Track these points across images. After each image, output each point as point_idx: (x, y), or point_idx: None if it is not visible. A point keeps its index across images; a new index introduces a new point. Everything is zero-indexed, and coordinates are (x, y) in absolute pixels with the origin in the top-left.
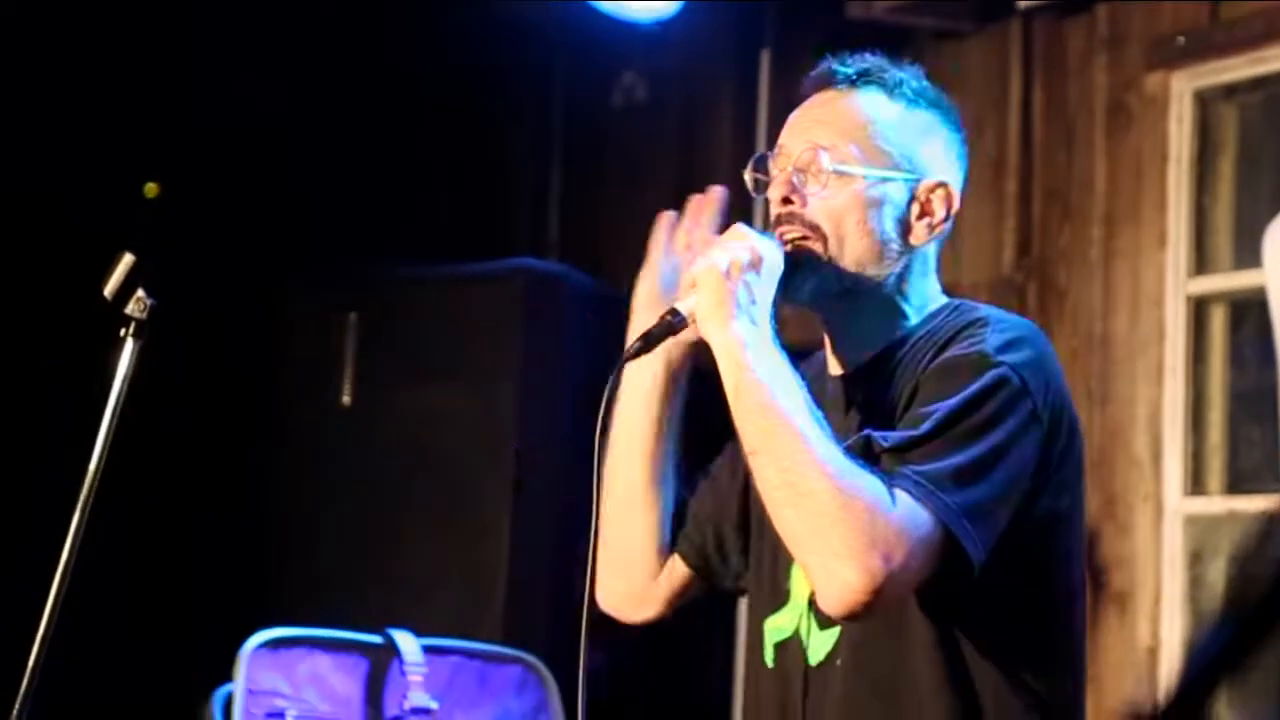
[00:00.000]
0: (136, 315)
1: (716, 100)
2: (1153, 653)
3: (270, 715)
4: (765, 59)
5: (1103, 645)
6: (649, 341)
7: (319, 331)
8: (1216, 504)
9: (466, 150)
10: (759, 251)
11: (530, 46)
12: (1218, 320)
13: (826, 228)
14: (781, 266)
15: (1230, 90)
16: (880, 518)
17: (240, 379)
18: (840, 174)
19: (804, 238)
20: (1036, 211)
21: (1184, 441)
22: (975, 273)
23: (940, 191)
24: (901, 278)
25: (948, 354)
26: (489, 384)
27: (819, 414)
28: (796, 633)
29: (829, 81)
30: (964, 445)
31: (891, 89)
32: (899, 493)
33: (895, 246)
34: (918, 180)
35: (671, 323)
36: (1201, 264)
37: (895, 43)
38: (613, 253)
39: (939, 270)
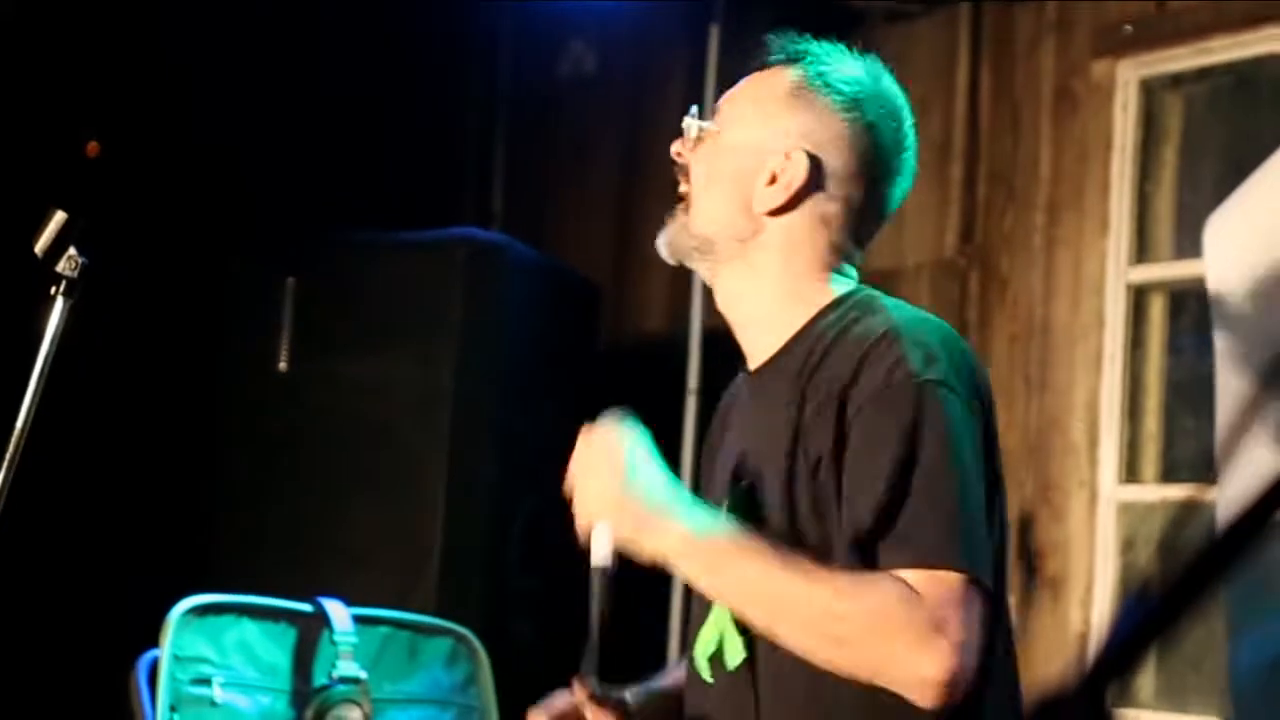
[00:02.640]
0: (68, 273)
1: (665, 75)
2: (1084, 638)
3: (196, 681)
4: (714, 34)
5: (1035, 629)
6: (604, 605)
7: (257, 296)
8: (1150, 492)
9: (411, 119)
10: (616, 453)
11: (478, 13)
12: (1157, 309)
13: (692, 180)
14: (642, 440)
15: (1176, 80)
16: (918, 611)
17: (176, 341)
18: (701, 132)
19: (685, 195)
20: (981, 196)
21: (1120, 429)
22: (918, 255)
23: (802, 162)
24: (765, 248)
25: (870, 380)
26: (428, 353)
27: (788, 547)
28: (721, 639)
29: (769, 57)
30: (936, 489)
31: (798, 69)
32: (909, 574)
33: (734, 209)
34: (776, 151)
35: (607, 579)
36: (1142, 252)
37: (845, 23)
38: (557, 225)
39: (851, 257)
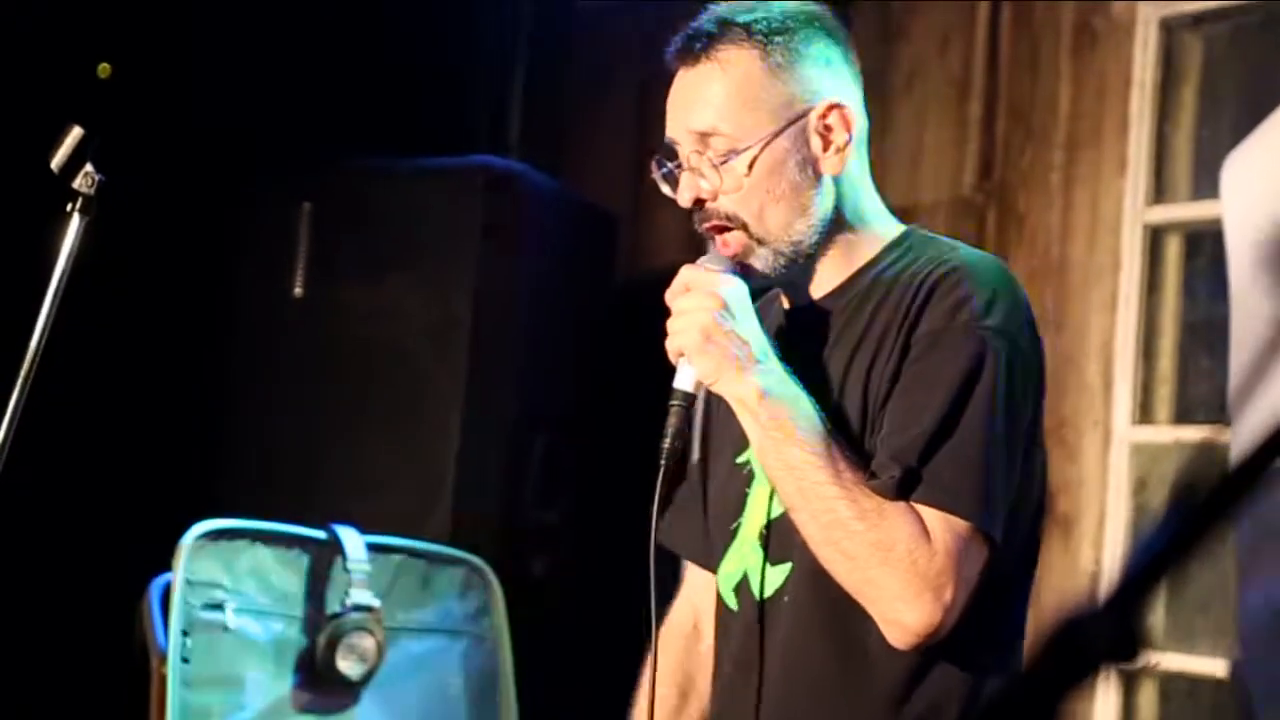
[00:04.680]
0: (84, 190)
1: (684, 7)
2: (1095, 577)
3: (208, 606)
4: None
5: (1045, 567)
6: (676, 435)
7: (273, 221)
8: (1164, 433)
9: (431, 46)
10: (718, 294)
11: None
12: (1173, 250)
13: (743, 214)
14: (745, 289)
15: (1197, 20)
16: (922, 558)
17: (191, 265)
18: (726, 163)
19: (728, 229)
20: (999, 133)
21: (1134, 370)
22: (935, 192)
23: (834, 114)
24: (838, 209)
25: (933, 317)
26: (444, 281)
27: (839, 446)
28: (745, 571)
29: (684, 58)
30: (972, 439)
31: (744, 38)
32: (927, 512)
33: (812, 191)
34: (805, 115)
35: (684, 407)
36: (1160, 193)
37: None
38: (574, 155)
39: (874, 187)
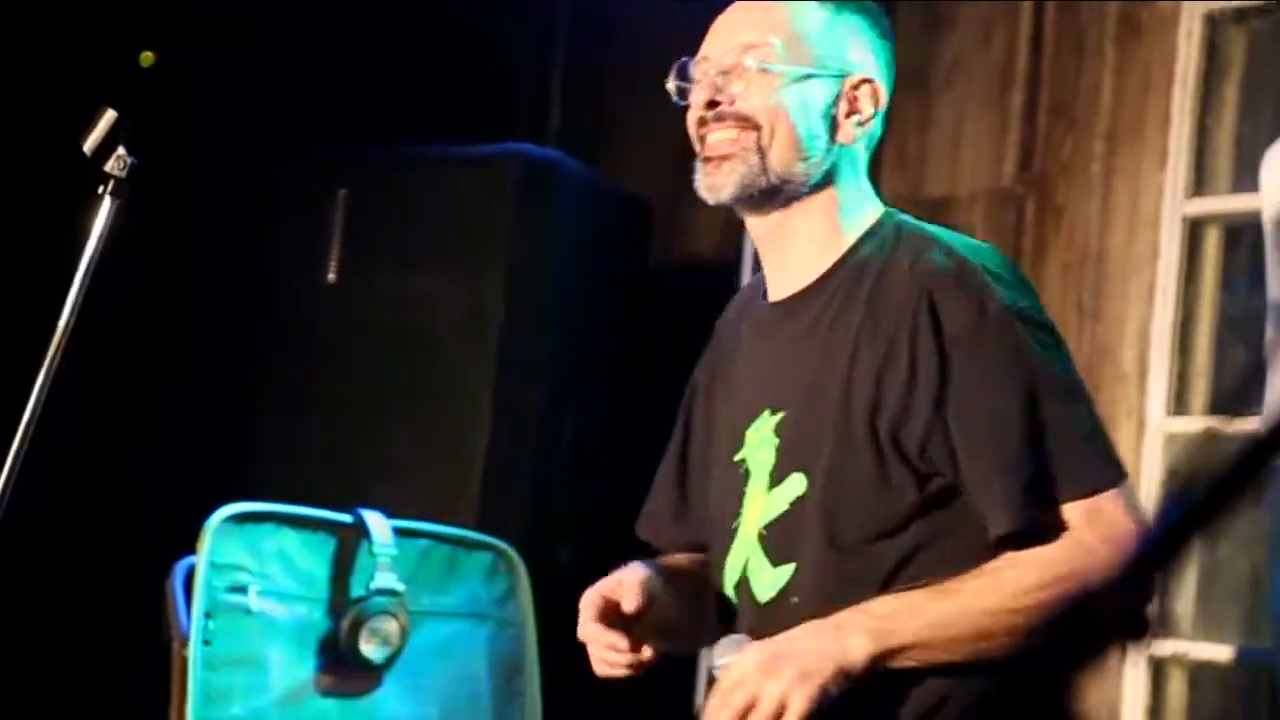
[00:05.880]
0: (116, 173)
1: None
2: None
3: (233, 589)
4: None
5: None
6: None
7: (308, 207)
8: (1198, 424)
9: (469, 34)
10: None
11: None
12: (1212, 242)
13: (759, 116)
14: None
15: (1241, 14)
16: (1087, 555)
17: (225, 249)
18: (765, 71)
19: (734, 139)
20: (1041, 124)
21: (1170, 361)
22: (974, 183)
23: (866, 88)
24: (829, 177)
25: (962, 316)
26: (477, 269)
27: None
28: (745, 573)
29: None
30: (1067, 413)
31: None
32: (1075, 510)
33: (821, 144)
34: (844, 76)
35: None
36: (1200, 185)
37: None
38: (613, 145)
39: (870, 181)
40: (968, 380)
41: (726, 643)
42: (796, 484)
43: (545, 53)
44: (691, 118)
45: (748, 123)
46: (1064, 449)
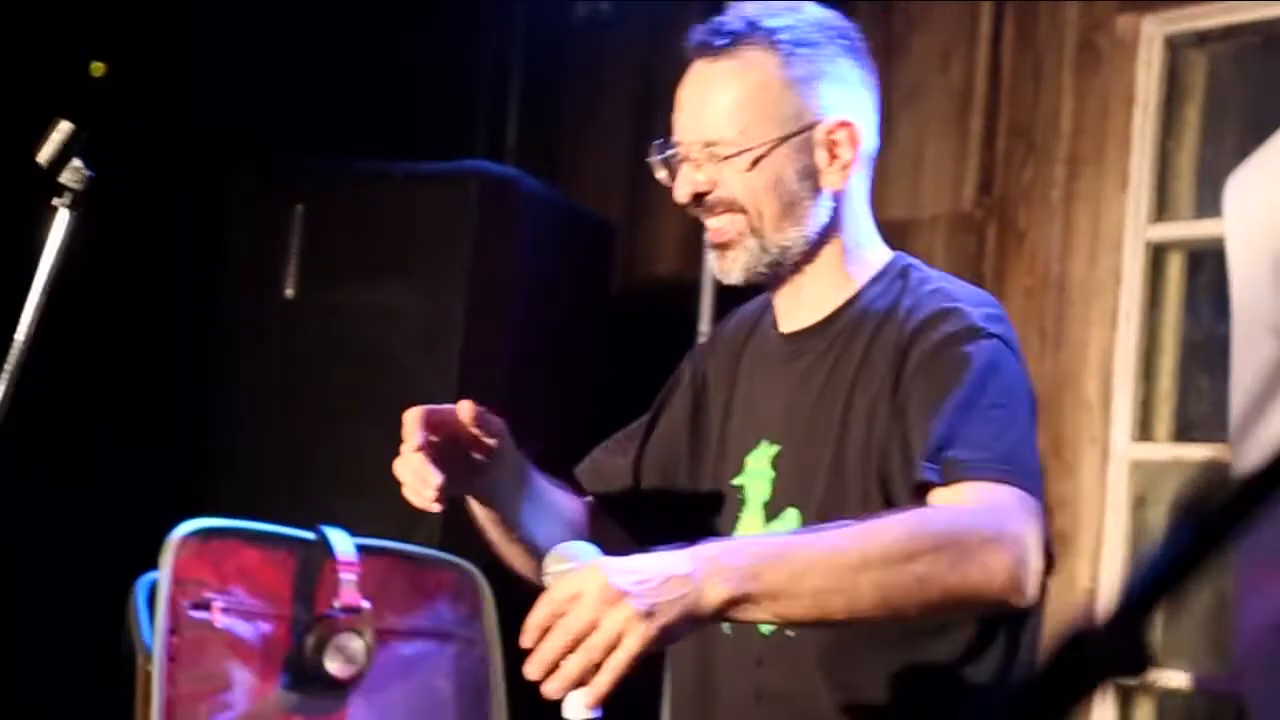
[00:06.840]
0: (72, 185)
1: (682, 19)
2: (1092, 594)
3: (196, 606)
4: None
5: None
6: None
7: (266, 221)
8: (1163, 451)
9: (427, 52)
10: (608, 583)
11: None
12: (1175, 267)
13: (743, 200)
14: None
15: (1202, 37)
16: (991, 550)
17: (181, 263)
18: (731, 159)
19: (729, 223)
20: (1000, 148)
21: (1134, 387)
22: (935, 206)
23: (843, 132)
24: (831, 227)
25: (933, 336)
26: (437, 285)
27: (857, 531)
28: None
29: (704, 51)
30: (998, 419)
31: (768, 45)
32: (981, 486)
33: (809, 203)
34: (813, 128)
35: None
36: (1162, 210)
37: None
38: (570, 162)
39: (872, 207)
40: (921, 383)
41: (564, 549)
42: (791, 520)
43: (502, 71)
44: (679, 195)
45: (734, 206)
46: (974, 443)
